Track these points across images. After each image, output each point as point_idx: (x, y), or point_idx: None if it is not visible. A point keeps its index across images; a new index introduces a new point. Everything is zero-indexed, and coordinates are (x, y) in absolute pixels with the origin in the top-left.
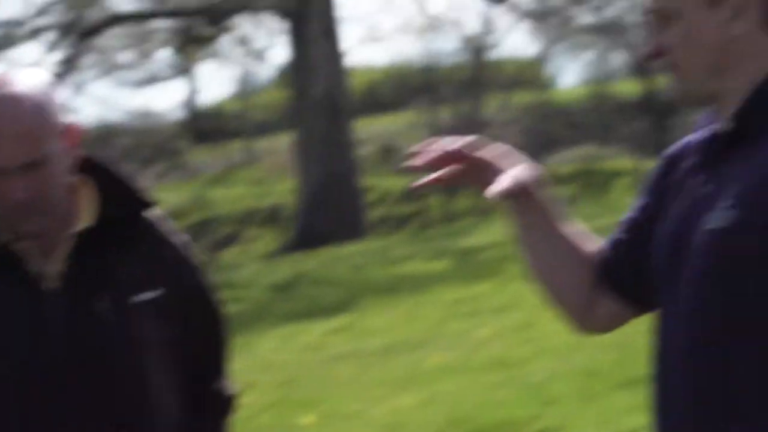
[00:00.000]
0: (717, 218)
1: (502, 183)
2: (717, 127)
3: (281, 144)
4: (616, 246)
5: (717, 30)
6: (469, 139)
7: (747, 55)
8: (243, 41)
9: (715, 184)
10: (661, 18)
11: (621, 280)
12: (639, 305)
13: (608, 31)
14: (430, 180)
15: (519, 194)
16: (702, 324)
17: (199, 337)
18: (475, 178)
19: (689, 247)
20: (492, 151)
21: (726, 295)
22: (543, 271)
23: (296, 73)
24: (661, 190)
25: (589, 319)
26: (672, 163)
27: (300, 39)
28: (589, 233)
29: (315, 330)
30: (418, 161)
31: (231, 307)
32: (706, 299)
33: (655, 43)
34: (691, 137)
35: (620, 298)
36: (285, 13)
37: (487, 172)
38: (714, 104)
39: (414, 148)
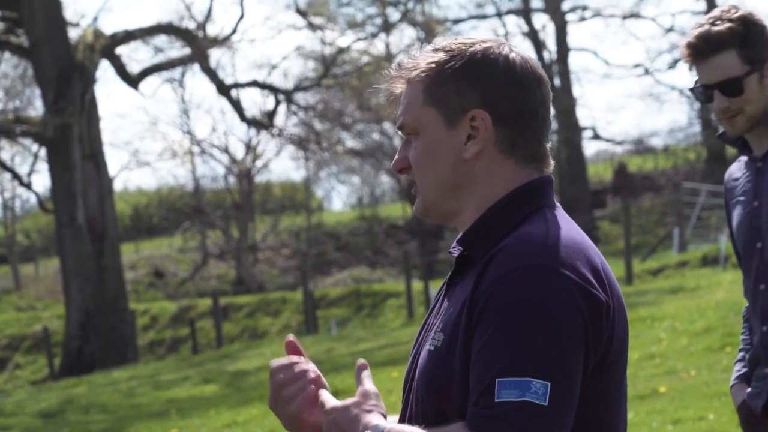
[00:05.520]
0: (432, 340)
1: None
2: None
3: (49, 269)
4: None
5: (452, 150)
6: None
7: (480, 177)
8: (4, 167)
9: (443, 307)
10: (406, 134)
11: None
12: None
13: (372, 156)
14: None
15: None
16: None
17: None
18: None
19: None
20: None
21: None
22: None
23: (58, 199)
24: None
25: None
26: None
27: (62, 165)
28: None
29: None
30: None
31: None
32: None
33: (400, 158)
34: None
35: None
36: (43, 139)
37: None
38: (454, 222)
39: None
